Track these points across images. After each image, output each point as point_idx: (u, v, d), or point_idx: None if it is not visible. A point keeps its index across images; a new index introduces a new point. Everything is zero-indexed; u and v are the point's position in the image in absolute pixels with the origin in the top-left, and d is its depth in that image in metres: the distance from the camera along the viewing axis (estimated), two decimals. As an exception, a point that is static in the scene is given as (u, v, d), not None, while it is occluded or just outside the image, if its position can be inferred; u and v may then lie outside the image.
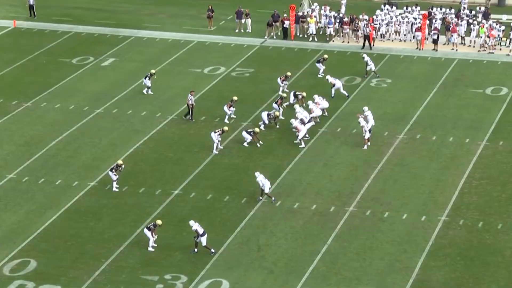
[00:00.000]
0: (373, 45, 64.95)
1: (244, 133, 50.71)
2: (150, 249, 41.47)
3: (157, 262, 40.58)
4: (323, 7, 68.08)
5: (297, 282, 39.17)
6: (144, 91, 57.06)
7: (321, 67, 59.64)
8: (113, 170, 45.93)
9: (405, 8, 68.91)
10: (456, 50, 64.42)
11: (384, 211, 44.60)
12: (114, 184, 46.01)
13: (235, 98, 53.61)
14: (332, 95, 55.92)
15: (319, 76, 59.33)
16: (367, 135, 50.14)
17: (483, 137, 51.87)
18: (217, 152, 49.60)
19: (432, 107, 55.63)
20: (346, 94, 56.08)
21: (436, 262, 40.56)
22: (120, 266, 40.31)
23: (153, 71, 57.72)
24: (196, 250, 41.11)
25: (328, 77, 57.12)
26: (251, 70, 61.46)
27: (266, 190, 45.27)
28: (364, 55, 60.01)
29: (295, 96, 54.82)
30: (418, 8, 68.43)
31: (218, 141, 49.72)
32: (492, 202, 45.40)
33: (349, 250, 41.50)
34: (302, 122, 50.87)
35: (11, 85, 58.65)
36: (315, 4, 69.20)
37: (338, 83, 56.50)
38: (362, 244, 41.94)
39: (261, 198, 45.31)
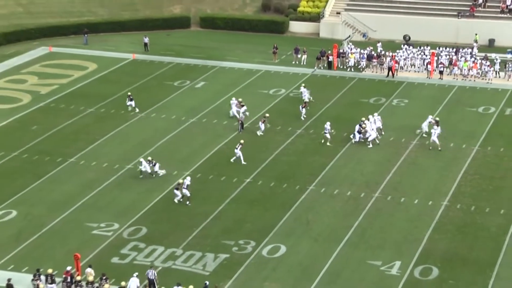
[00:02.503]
0: (396, 75, 64.42)
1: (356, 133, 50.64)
2: (175, 201, 42.95)
3: (233, 231, 40.72)
4: (366, 49, 67.09)
5: (335, 248, 39.14)
6: (129, 109, 56.20)
7: (304, 91, 57.93)
8: (177, 189, 43.54)
9: (419, 47, 68.28)
10: (456, 79, 63.70)
11: (401, 197, 44.32)
12: (177, 198, 43.62)
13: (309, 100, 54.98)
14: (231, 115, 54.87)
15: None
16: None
17: (476, 143, 51.27)
18: (245, 163, 47.89)
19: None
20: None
21: (439, 235, 40.28)
22: (206, 233, 40.56)
23: (129, 93, 57.26)
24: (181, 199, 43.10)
25: (232, 99, 55.74)
26: (304, 92, 61.41)
27: (148, 170, 45.81)
28: (301, 87, 58.46)
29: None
30: (429, 47, 67.76)
31: (240, 154, 47.99)
32: (482, 192, 44.93)
33: (374, 225, 41.35)
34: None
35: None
36: (351, 44, 68.80)
37: (234, 108, 54.73)
38: (384, 221, 41.76)
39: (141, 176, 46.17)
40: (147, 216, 42.36)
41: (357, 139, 50.77)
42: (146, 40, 71.32)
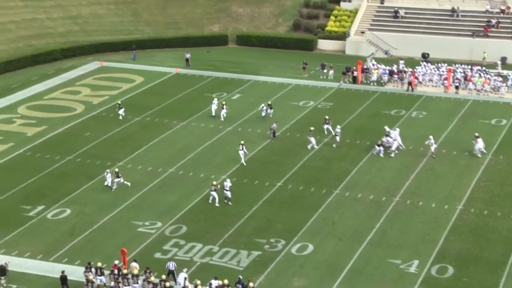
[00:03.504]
0: (415, 89, 63.93)
1: (376, 146, 49.77)
2: (217, 204, 42.49)
3: (265, 230, 40.57)
4: (391, 65, 66.58)
5: (358, 247, 38.81)
6: (120, 117, 56.55)
7: (264, 108, 57.05)
8: (213, 189, 43.11)
9: (436, 64, 67.72)
10: (471, 93, 63.01)
11: (419, 201, 43.87)
12: (214, 199, 43.24)
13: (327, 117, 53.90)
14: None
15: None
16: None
17: (489, 152, 50.57)
18: (245, 164, 48.17)
19: (453, 132, 54.54)
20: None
21: (454, 237, 39.78)
22: (240, 232, 40.45)
23: (119, 102, 58.00)
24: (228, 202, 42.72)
25: (214, 99, 57.12)
26: (331, 104, 61.00)
27: (109, 183, 44.71)
28: (263, 104, 57.25)
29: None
30: (446, 64, 67.18)
31: (244, 152, 48.16)
32: (494, 197, 44.31)
33: (394, 227, 40.95)
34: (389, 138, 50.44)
35: (173, 110, 59.18)
36: (374, 61, 68.48)
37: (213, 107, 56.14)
38: (403, 223, 41.34)
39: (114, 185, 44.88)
40: (187, 215, 42.34)
41: (377, 150, 49.74)
42: (188, 56, 71.55)
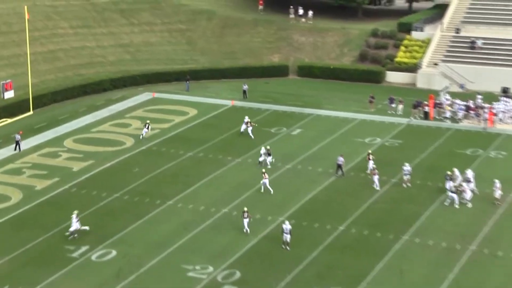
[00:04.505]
0: (494, 127, 62.82)
1: (450, 193, 48.46)
2: (245, 230, 44.58)
3: (325, 278, 39.99)
4: (468, 101, 65.86)
5: (429, 299, 37.99)
6: (141, 137, 60.04)
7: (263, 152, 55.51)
8: (246, 216, 44.67)
9: (517, 99, 66.76)
10: (556, 131, 61.78)
11: (498, 250, 42.74)
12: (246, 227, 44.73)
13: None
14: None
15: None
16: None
17: None
18: (262, 192, 50.09)
19: (536, 174, 53.37)
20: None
21: (537, 291, 38.56)
22: (298, 279, 39.91)
23: (148, 121, 61.54)
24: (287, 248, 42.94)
25: (246, 117, 61.70)
26: (399, 141, 60.40)
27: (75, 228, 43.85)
28: (262, 147, 55.75)
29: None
30: (527, 99, 66.12)
31: (266, 182, 50.05)
32: None
33: (469, 278, 39.91)
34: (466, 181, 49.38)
35: (228, 146, 59.17)
36: (447, 95, 67.70)
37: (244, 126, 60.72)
38: (480, 274, 40.29)
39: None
40: (241, 259, 42.08)
41: (457, 201, 48.22)
42: (245, 87, 71.99)
